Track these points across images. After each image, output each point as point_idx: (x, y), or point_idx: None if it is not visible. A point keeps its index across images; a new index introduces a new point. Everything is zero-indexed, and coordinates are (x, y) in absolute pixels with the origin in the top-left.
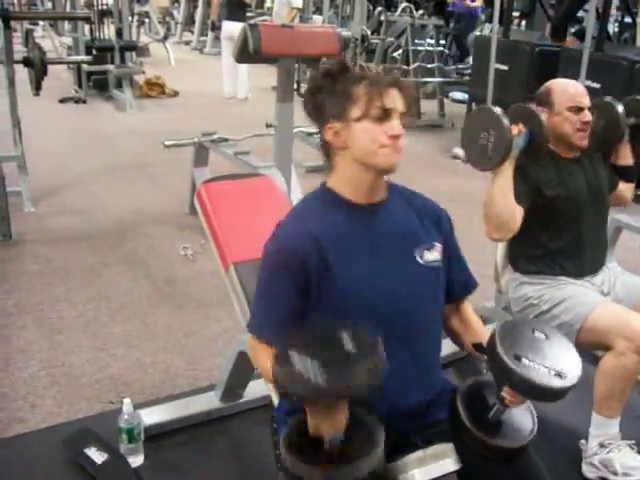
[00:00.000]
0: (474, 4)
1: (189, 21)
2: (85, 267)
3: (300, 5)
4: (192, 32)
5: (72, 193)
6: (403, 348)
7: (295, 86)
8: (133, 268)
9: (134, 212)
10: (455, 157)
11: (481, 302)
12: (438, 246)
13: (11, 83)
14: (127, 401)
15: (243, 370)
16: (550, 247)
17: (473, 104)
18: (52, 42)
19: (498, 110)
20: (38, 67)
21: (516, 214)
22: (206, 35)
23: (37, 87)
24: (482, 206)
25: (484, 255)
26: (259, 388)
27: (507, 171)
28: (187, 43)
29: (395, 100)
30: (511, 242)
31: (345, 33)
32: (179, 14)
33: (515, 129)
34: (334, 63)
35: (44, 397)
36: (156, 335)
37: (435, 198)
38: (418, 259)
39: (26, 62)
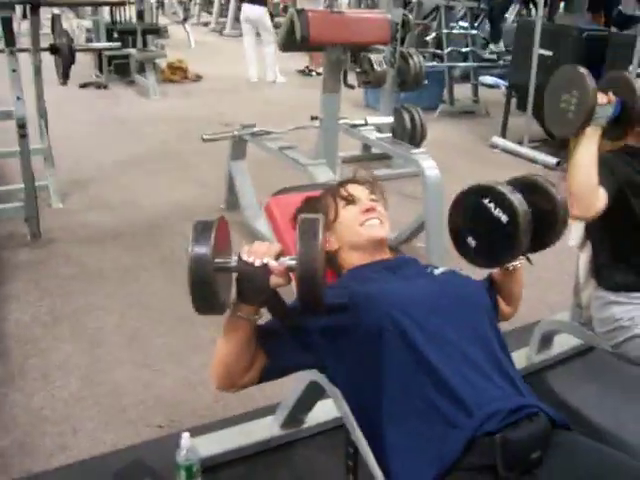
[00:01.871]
0: None
1: (207, 2)
2: (121, 270)
3: None
4: (210, 13)
5: (100, 186)
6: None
7: (342, 76)
8: (172, 271)
9: (167, 206)
10: (494, 146)
11: (552, 312)
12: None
13: (37, 71)
14: (185, 435)
15: (312, 398)
16: (636, 261)
17: (513, 92)
18: (69, 25)
19: (583, 70)
20: (66, 55)
21: (597, 191)
22: (225, 16)
23: (64, 76)
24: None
25: (545, 258)
26: (323, 412)
27: (590, 141)
28: (205, 24)
29: (357, 190)
30: (594, 253)
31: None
32: None
33: (604, 97)
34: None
35: (86, 420)
36: (202, 348)
37: None
38: (430, 272)
39: (53, 49)
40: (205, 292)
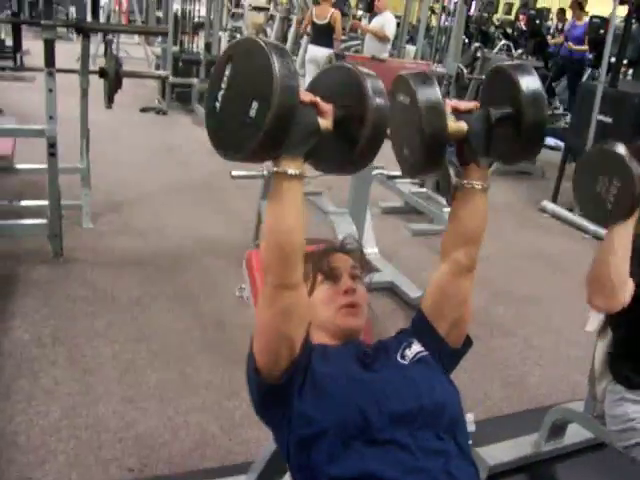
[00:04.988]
0: (578, 48)
1: (281, 39)
2: (132, 298)
3: (392, 36)
4: None
5: (134, 211)
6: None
7: None
8: (182, 305)
9: (194, 239)
10: (544, 210)
11: (574, 394)
12: (417, 342)
13: (84, 93)
14: None
15: (282, 464)
16: None
17: (569, 155)
18: (145, 51)
19: (624, 151)
20: (112, 79)
21: (628, 283)
22: (296, 55)
23: (109, 100)
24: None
25: (574, 334)
26: None
27: (627, 227)
28: None
29: (340, 260)
30: (613, 342)
31: (439, 70)
32: (272, 32)
33: None
34: None
35: (58, 453)
36: (194, 391)
37: (518, 255)
38: (400, 360)
39: (101, 73)
40: (286, 123)
